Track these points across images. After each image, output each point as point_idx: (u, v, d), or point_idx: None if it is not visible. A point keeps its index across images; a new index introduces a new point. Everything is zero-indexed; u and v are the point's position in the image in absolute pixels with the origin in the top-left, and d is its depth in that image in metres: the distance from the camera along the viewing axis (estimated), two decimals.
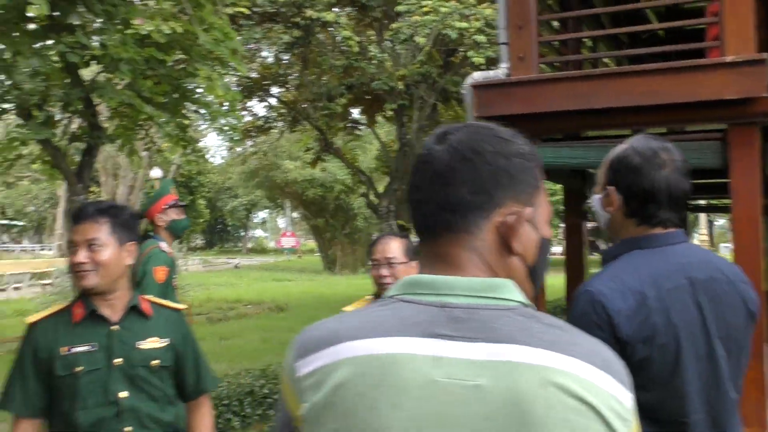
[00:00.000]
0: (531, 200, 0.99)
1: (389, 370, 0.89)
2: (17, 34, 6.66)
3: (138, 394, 2.21)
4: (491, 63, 12.85)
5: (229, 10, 7.55)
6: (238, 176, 35.21)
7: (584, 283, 1.74)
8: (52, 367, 2.17)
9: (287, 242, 40.58)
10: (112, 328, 2.22)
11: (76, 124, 9.97)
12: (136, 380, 2.21)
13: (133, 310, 2.27)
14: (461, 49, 13.41)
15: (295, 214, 47.36)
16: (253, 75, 15.57)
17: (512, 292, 0.94)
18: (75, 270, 2.16)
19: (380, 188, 17.60)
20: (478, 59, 11.95)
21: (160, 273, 3.84)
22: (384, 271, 3.00)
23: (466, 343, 0.89)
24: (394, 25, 12.87)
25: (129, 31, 7.45)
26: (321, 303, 17.09)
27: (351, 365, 0.90)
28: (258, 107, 18.54)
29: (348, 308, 3.25)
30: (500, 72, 5.65)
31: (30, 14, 6.52)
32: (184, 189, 38.36)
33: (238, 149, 24.61)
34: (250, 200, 47.27)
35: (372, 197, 16.87)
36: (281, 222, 69.31)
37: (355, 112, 19.04)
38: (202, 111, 10.29)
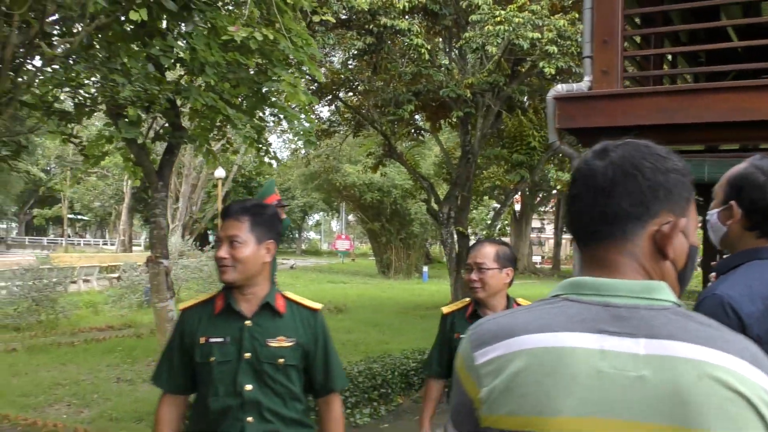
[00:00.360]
0: (684, 212, 1.10)
1: (561, 361, 1.00)
2: (113, 36, 6.99)
3: (262, 389, 2.28)
4: (559, 73, 12.88)
5: (316, 18, 7.78)
6: (297, 178, 35.71)
7: (708, 288, 1.86)
8: (193, 353, 2.32)
9: (342, 245, 40.88)
10: (246, 323, 2.30)
11: (158, 124, 10.34)
12: (262, 375, 2.28)
13: (267, 306, 2.34)
14: (530, 59, 13.43)
15: (350, 217, 47.72)
16: (313, 78, 15.84)
17: (667, 293, 1.05)
18: (217, 264, 2.28)
19: (439, 194, 17.67)
20: (550, 69, 11.97)
21: None
22: (473, 276, 3.06)
23: (629, 339, 1.00)
24: (466, 35, 12.97)
25: (213, 36, 7.73)
26: (378, 306, 17.27)
27: (527, 356, 1.02)
28: (324, 111, 18.86)
29: (445, 309, 3.37)
30: (583, 85, 5.74)
31: (127, 18, 6.84)
32: (244, 189, 39.10)
33: (302, 152, 24.97)
34: (306, 202, 47.86)
35: (432, 203, 16.96)
36: (334, 225, 69.88)
37: (418, 118, 19.16)
38: (277, 114, 10.54)
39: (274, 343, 2.29)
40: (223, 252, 2.25)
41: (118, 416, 6.28)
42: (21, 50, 4.33)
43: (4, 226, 56.80)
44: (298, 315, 2.38)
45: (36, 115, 5.23)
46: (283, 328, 2.33)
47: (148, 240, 41.51)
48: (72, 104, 7.29)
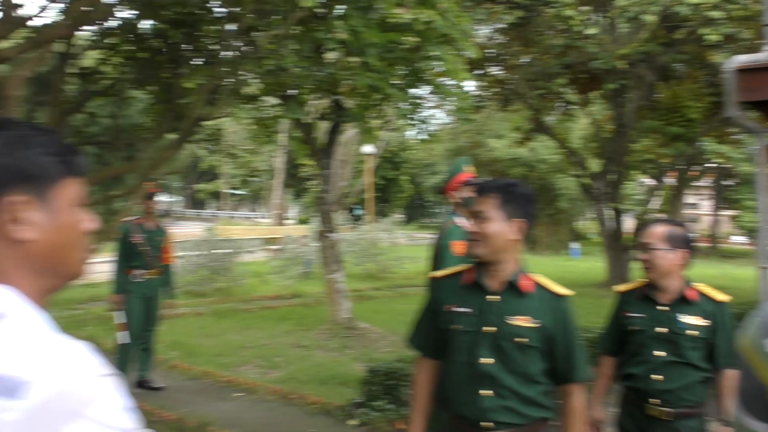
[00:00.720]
0: None
1: None
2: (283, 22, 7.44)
3: (500, 364, 2.32)
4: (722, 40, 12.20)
5: None
6: (443, 153, 35.95)
7: None
8: (439, 320, 2.45)
9: None
10: (489, 297, 2.37)
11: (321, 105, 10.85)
12: (501, 351, 2.32)
13: (513, 285, 2.37)
14: (688, 25, 12.82)
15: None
16: (468, 54, 15.87)
17: None
18: (469, 238, 2.41)
19: (590, 169, 17.27)
20: (713, 37, 11.40)
21: (458, 246, 4.20)
22: (642, 256, 3.02)
23: None
24: (620, 3, 12.60)
25: (370, 16, 8.02)
26: None
27: None
28: (470, 86, 18.78)
29: (619, 288, 3.30)
30: (762, 55, 5.54)
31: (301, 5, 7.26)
32: (389, 164, 39.86)
33: (450, 126, 25.15)
34: None
35: (585, 178, 16.63)
36: None
37: (566, 91, 18.76)
38: (434, 91, 10.76)
39: (515, 321, 2.34)
40: (473, 227, 2.37)
41: (303, 378, 6.81)
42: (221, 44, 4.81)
43: (171, 199, 61.27)
44: (544, 298, 2.40)
45: (227, 100, 5.74)
46: (527, 308, 2.36)
47: (299, 214, 43.00)
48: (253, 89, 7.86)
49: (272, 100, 8.53)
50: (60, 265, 1.02)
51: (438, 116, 27.48)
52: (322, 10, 8.22)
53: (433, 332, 2.50)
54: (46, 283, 1.01)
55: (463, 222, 4.37)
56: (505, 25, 15.09)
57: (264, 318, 10.20)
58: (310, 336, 9.01)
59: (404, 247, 23.56)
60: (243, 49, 5.29)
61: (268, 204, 44.28)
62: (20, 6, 3.45)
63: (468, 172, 4.50)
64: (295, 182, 39.45)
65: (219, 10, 5.08)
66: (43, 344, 0.89)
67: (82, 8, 3.92)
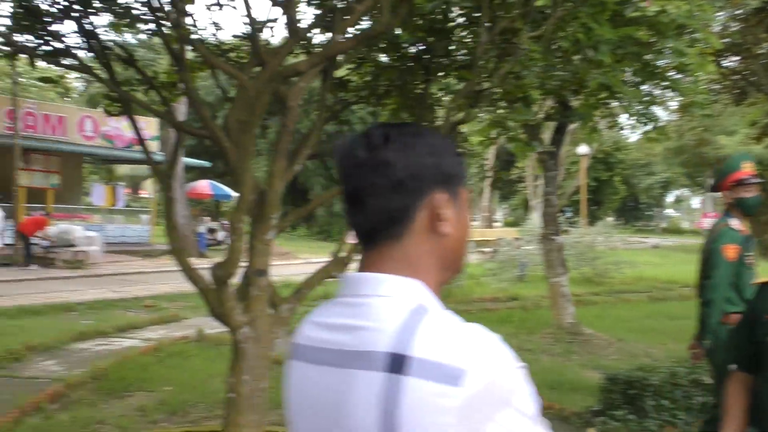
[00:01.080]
0: None
1: None
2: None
3: None
4: None
5: None
6: (662, 152, 33.92)
7: None
8: (754, 330, 2.22)
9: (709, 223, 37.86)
10: None
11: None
12: None
13: None
14: None
15: (718, 194, 43.98)
16: (707, 46, 14.77)
17: None
18: None
19: None
20: None
21: (730, 251, 3.89)
22: None
23: None
24: None
25: (600, 12, 7.67)
26: None
27: None
28: (702, 78, 17.29)
29: None
30: None
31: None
32: (602, 165, 38.34)
33: (673, 124, 23.69)
34: (666, 178, 45.26)
35: None
36: (695, 202, 65.23)
37: None
38: (669, 87, 10.14)
39: None
40: None
41: (532, 382, 6.69)
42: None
43: None
44: None
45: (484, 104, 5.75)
46: None
47: (506, 216, 42.72)
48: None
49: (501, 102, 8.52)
50: (456, 260, 1.09)
51: (659, 113, 25.95)
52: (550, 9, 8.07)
53: (744, 343, 2.27)
54: (443, 276, 1.08)
55: (736, 224, 4.02)
56: (743, 12, 13.88)
57: (484, 320, 10.08)
58: (533, 340, 8.86)
59: (621, 251, 22.54)
60: (498, 52, 5.29)
61: (475, 206, 44.46)
62: (300, 22, 3.72)
63: (746, 169, 4.09)
64: (503, 184, 39.23)
65: (476, 15, 5.13)
66: (469, 336, 0.96)
67: (361, 25, 4.14)
